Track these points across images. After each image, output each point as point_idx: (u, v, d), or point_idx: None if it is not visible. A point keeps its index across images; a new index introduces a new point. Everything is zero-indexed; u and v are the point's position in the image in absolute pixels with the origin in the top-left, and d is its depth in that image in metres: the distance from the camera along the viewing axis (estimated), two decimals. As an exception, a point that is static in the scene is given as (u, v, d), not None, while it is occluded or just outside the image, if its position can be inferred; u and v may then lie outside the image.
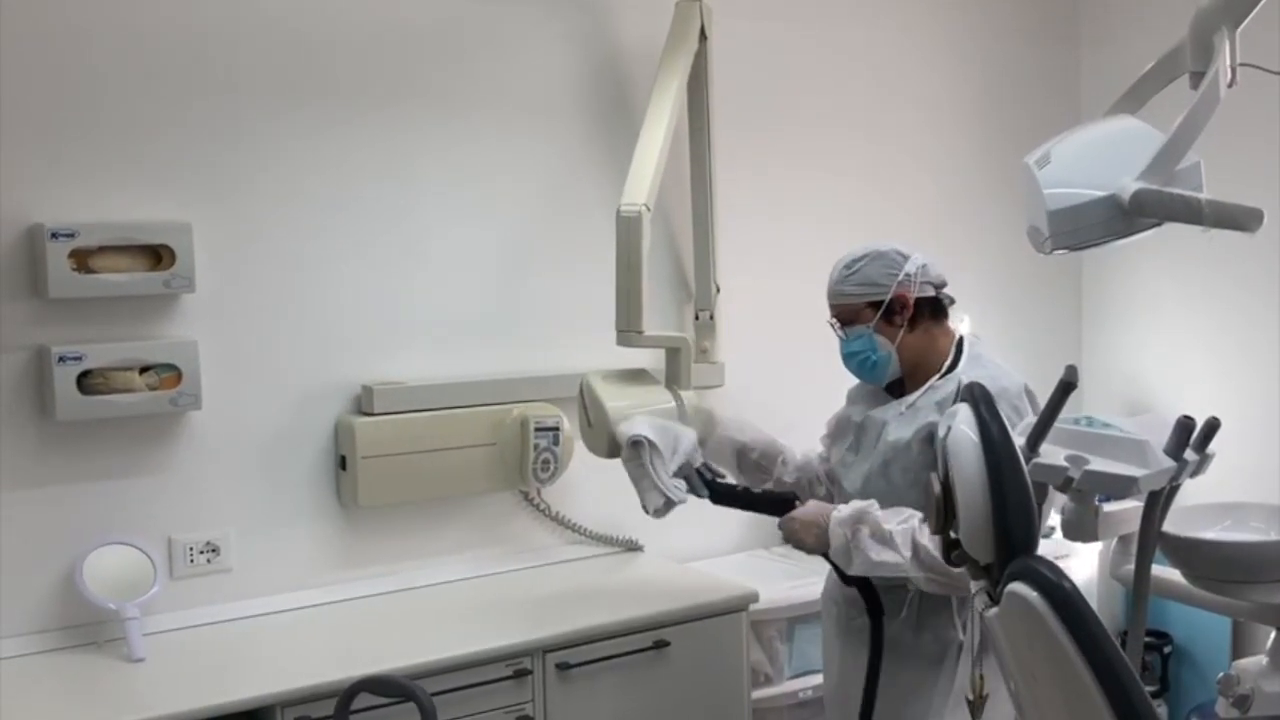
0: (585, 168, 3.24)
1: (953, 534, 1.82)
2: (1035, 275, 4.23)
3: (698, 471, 2.73)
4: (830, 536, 2.51)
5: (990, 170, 4.13)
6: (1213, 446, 2.10)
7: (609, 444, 2.77)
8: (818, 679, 3.30)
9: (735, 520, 3.68)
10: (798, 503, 2.66)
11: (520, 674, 2.78)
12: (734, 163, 3.58)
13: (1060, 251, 1.96)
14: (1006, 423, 1.78)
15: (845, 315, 2.65)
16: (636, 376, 2.93)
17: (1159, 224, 1.88)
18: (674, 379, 2.93)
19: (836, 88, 3.87)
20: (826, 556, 2.57)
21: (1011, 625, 1.70)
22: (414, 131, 3.17)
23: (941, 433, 1.84)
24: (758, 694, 3.25)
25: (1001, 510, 1.70)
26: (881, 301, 2.59)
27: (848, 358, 2.68)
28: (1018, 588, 1.63)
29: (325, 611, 3.03)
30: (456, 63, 3.23)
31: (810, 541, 2.56)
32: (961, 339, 2.68)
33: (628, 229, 2.86)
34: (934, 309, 2.66)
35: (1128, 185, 1.83)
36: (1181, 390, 4.08)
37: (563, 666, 2.83)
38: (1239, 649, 3.93)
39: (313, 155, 3.04)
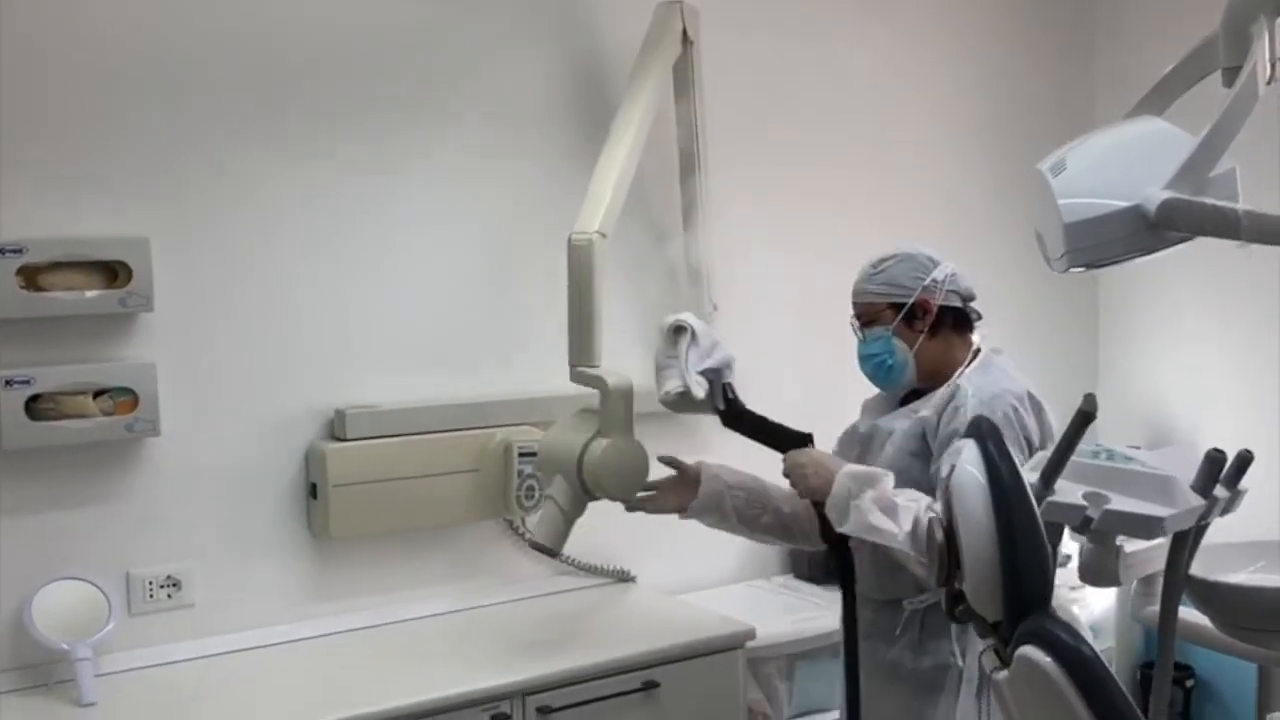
0: (569, 179, 3.07)
1: (958, 585, 1.64)
2: (1049, 289, 4.04)
3: (723, 382, 2.57)
4: (835, 484, 2.34)
5: (1000, 181, 3.97)
6: (1245, 481, 1.92)
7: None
8: (821, 719, 3.15)
9: (733, 549, 3.54)
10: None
11: (499, 718, 2.61)
12: (729, 175, 3.42)
13: (1076, 270, 1.77)
14: (1018, 462, 1.59)
15: (866, 315, 2.58)
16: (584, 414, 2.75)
17: (1189, 238, 1.69)
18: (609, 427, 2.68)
19: (838, 96, 3.71)
20: (818, 509, 2.41)
21: (1023, 691, 1.52)
22: (388, 143, 3.02)
23: (945, 471, 1.66)
24: (755, 735, 3.08)
25: (1012, 563, 1.52)
26: (904, 304, 2.52)
27: (864, 359, 2.59)
28: (1030, 652, 1.45)
29: (294, 650, 2.87)
30: (432, 71, 3.08)
31: (813, 483, 2.40)
32: (978, 350, 2.58)
33: (579, 258, 2.72)
34: (957, 320, 2.57)
35: (1154, 195, 1.63)
36: (1206, 414, 3.89)
37: (544, 710, 2.66)
38: (1265, 685, 3.76)
39: (280, 167, 2.89)
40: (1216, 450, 1.85)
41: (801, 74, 3.64)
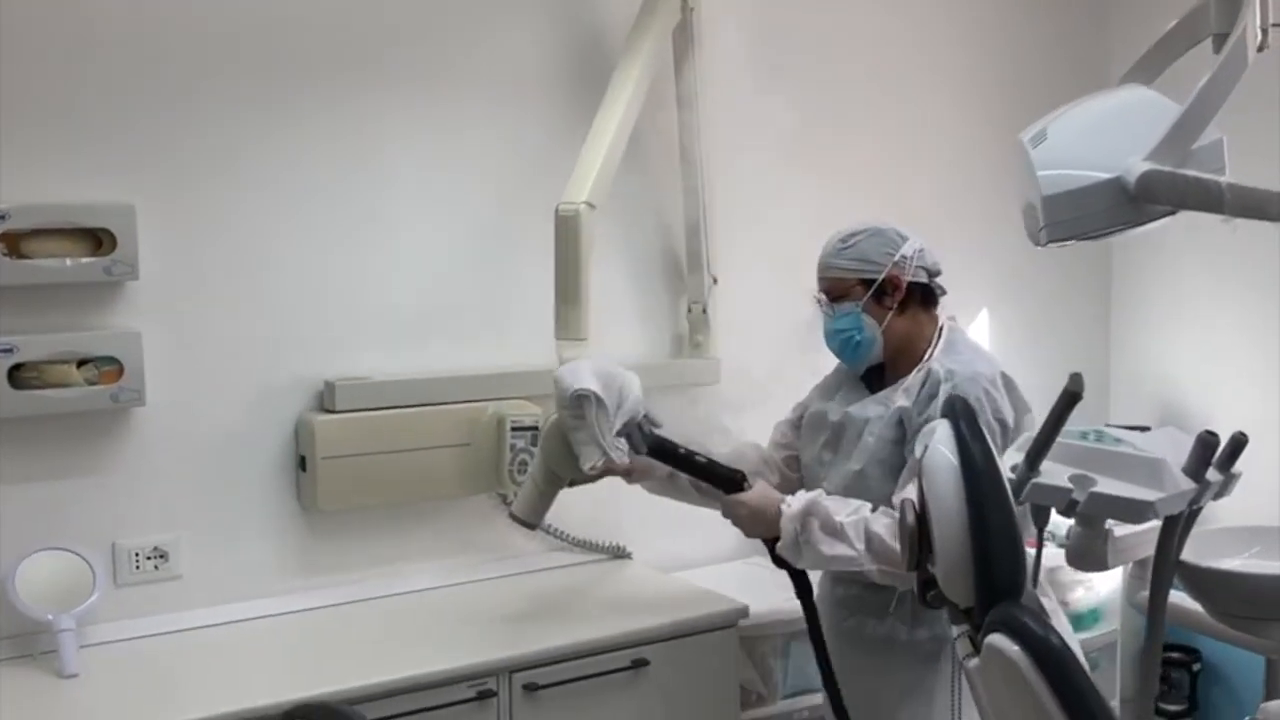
0: (565, 147, 3.01)
1: (931, 568, 1.59)
2: (1060, 264, 3.98)
3: (639, 426, 2.55)
4: (782, 530, 2.40)
5: (1009, 150, 3.86)
6: (1239, 465, 1.86)
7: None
8: (815, 698, 3.12)
9: (729, 526, 3.45)
10: (746, 485, 2.50)
11: (484, 695, 2.57)
12: (729, 143, 3.35)
13: (1056, 245, 1.71)
14: (992, 443, 1.54)
15: (835, 290, 2.55)
16: None
17: (1172, 212, 1.62)
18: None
19: (842, 64, 3.63)
20: (767, 544, 2.48)
21: (993, 680, 1.47)
22: (380, 110, 2.97)
23: (918, 452, 1.61)
24: (749, 715, 3.05)
25: (983, 548, 1.47)
26: (874, 280, 2.50)
27: (831, 335, 2.57)
28: (998, 640, 1.40)
29: (281, 623, 2.85)
30: (425, 39, 3.02)
31: (754, 530, 2.48)
32: (942, 327, 2.57)
33: (566, 229, 2.69)
34: (925, 296, 2.56)
35: (1134, 166, 1.57)
36: (1220, 393, 3.80)
37: (530, 688, 2.62)
38: (1274, 668, 3.69)
39: (268, 134, 2.84)
40: (1209, 432, 1.80)
41: (805, 42, 3.56)
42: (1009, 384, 2.44)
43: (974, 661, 1.49)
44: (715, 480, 2.52)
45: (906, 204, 3.62)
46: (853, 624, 2.57)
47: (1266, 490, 2.05)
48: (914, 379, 2.48)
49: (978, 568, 1.47)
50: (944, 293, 2.58)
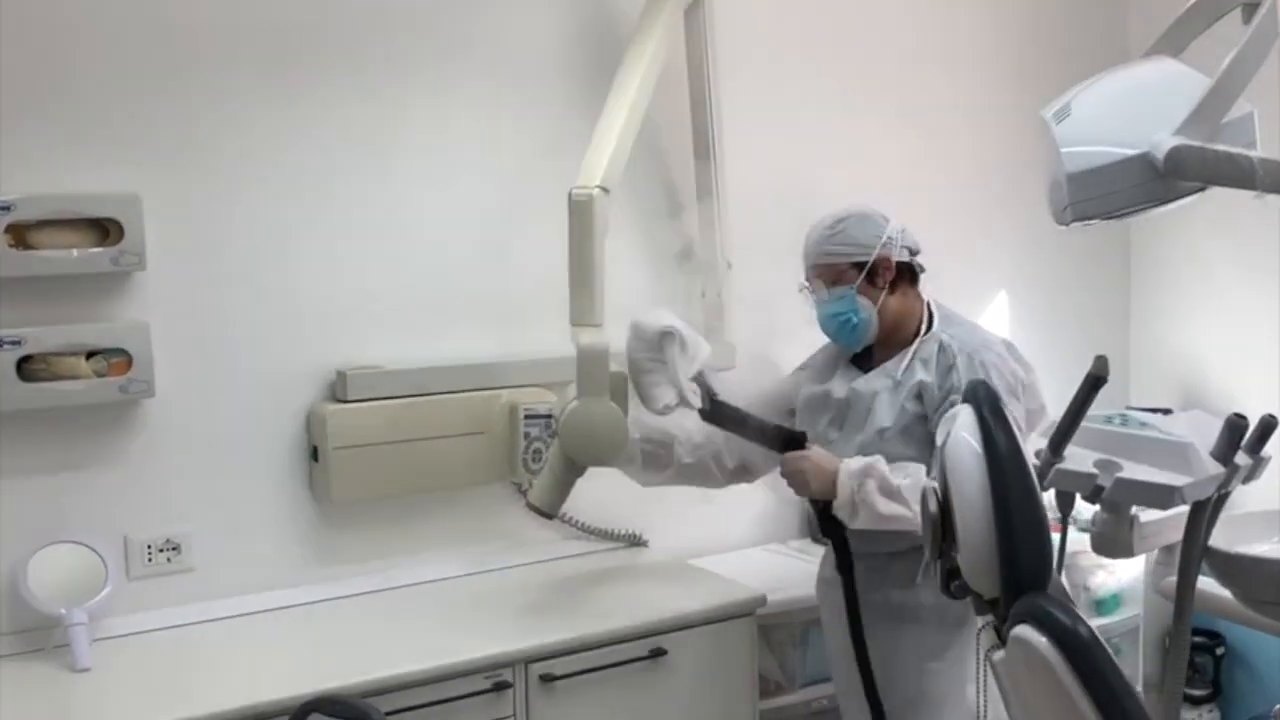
0: (578, 131, 2.96)
1: (954, 556, 1.55)
2: (1078, 245, 3.92)
3: (703, 383, 2.59)
4: (839, 487, 2.45)
5: (1027, 130, 3.82)
6: (1269, 448, 1.81)
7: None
8: (834, 687, 3.08)
9: (749, 513, 3.47)
10: (807, 444, 2.55)
11: (500, 686, 2.55)
12: (744, 125, 3.30)
13: (1080, 224, 1.66)
14: (1016, 429, 1.49)
15: (827, 275, 2.62)
16: None
17: (1202, 189, 1.57)
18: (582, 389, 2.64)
19: (860, 43, 3.59)
20: (818, 509, 2.53)
21: (1019, 672, 1.43)
22: (391, 95, 2.93)
23: (940, 439, 1.57)
24: (767, 704, 3.02)
25: (1008, 538, 1.43)
26: (865, 263, 2.58)
27: (827, 319, 2.64)
28: (1025, 632, 1.36)
29: (295, 614, 2.82)
30: (436, 20, 2.98)
31: (815, 487, 2.50)
32: (930, 303, 2.66)
33: (580, 214, 2.64)
34: (910, 274, 2.65)
35: (1163, 141, 1.52)
36: (1242, 373, 3.74)
37: (547, 678, 2.60)
38: (1299, 653, 3.65)
39: (277, 121, 2.81)
40: (1238, 415, 1.75)
41: (819, 22, 3.51)
42: (1011, 348, 2.57)
43: (1000, 653, 1.45)
44: (778, 440, 2.55)
45: (924, 185, 3.60)
46: (879, 597, 2.60)
47: (1280, 472, 2.00)
48: (925, 350, 2.56)
49: (1003, 557, 1.43)
50: (924, 270, 2.66)
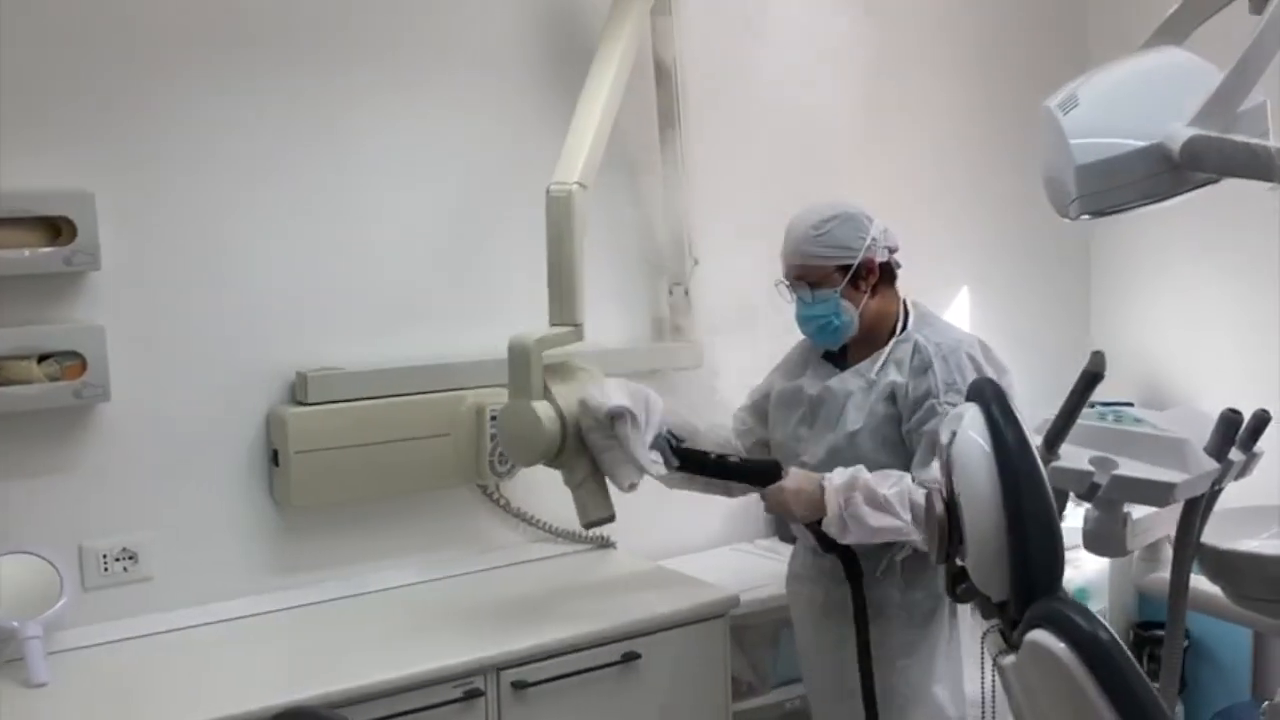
0: (542, 128, 2.92)
1: (959, 562, 1.51)
2: (1040, 241, 3.95)
3: (666, 440, 2.53)
4: (826, 506, 2.40)
5: (990, 127, 3.83)
6: (1260, 444, 1.80)
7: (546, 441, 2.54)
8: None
9: (716, 513, 3.43)
10: (783, 472, 2.50)
11: (471, 695, 2.49)
12: (708, 120, 3.27)
13: (1088, 217, 1.63)
14: (1025, 427, 1.46)
15: (810, 277, 2.55)
16: (565, 375, 2.65)
17: (1213, 181, 1.55)
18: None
19: (824, 40, 3.54)
20: (811, 528, 2.47)
21: (1031, 678, 1.39)
22: (348, 88, 2.86)
23: (944, 438, 1.53)
24: (740, 706, 2.99)
25: (1020, 539, 1.39)
26: (850, 265, 2.52)
27: (807, 320, 2.58)
28: (1041, 637, 1.33)
29: (257, 623, 2.75)
30: (398, 12, 2.91)
31: (801, 511, 2.45)
32: (906, 301, 2.62)
33: (558, 211, 2.59)
34: (887, 275, 2.59)
35: (1178, 132, 1.49)
36: (1201, 368, 3.77)
37: (519, 685, 2.54)
38: (1261, 647, 3.67)
39: (235, 117, 2.73)
40: (1232, 410, 1.73)
41: (784, 19, 3.47)
42: (985, 349, 2.52)
43: (1010, 658, 1.42)
44: (752, 477, 2.52)
45: (886, 180, 3.58)
46: (842, 593, 2.55)
47: (1263, 468, 1.98)
48: (899, 351, 2.52)
49: (1014, 560, 1.39)
50: (900, 266, 2.60)
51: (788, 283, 2.60)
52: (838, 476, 2.42)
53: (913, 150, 3.73)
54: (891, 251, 2.58)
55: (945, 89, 3.81)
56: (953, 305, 3.86)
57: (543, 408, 2.54)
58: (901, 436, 2.49)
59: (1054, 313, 4.06)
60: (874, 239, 2.52)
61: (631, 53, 2.86)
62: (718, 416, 2.84)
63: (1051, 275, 4.07)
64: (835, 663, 2.62)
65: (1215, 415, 1.79)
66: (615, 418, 2.45)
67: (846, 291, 2.52)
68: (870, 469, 2.44)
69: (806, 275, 2.55)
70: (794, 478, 2.47)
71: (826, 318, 2.55)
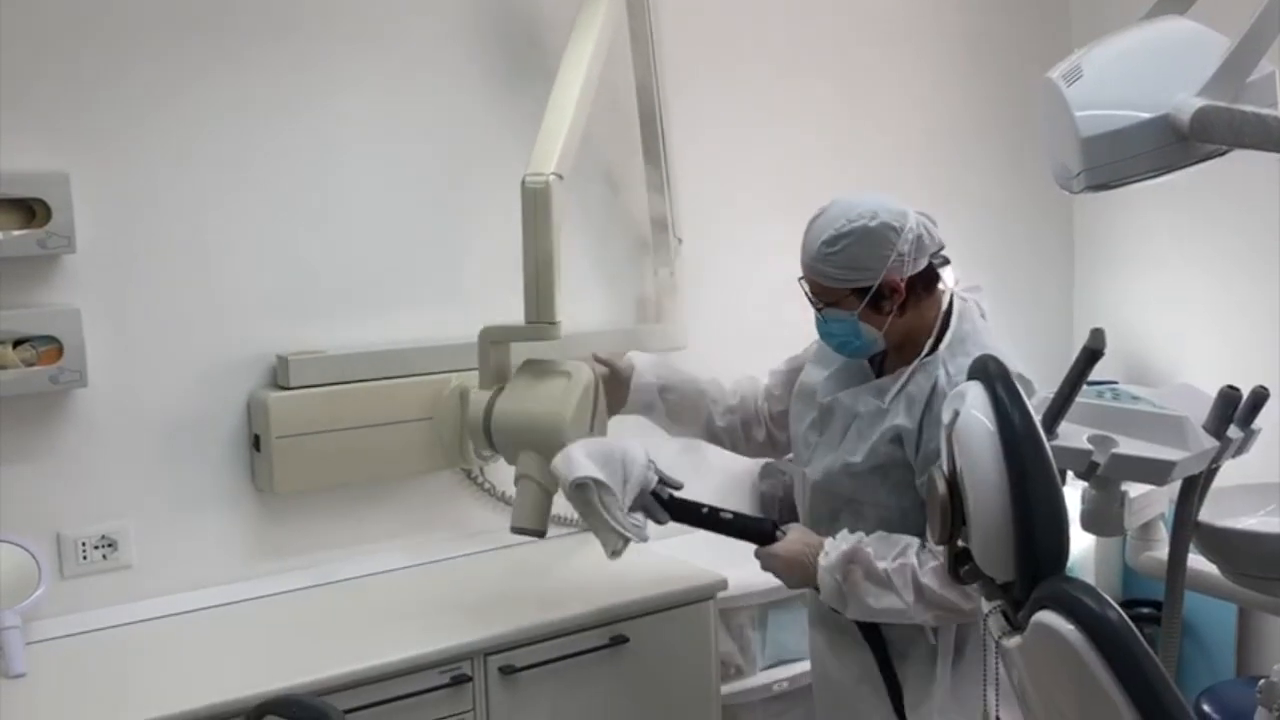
0: (527, 105, 2.88)
1: (961, 543, 1.49)
2: (1022, 218, 3.94)
3: (654, 494, 2.38)
4: (820, 584, 2.24)
5: (974, 104, 3.81)
6: (1259, 421, 1.78)
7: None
8: (794, 669, 3.08)
9: (701, 494, 3.35)
10: (779, 532, 2.33)
11: (459, 680, 2.47)
12: (689, 96, 3.23)
13: (1092, 191, 1.60)
14: (1030, 406, 1.44)
15: (824, 296, 2.28)
16: (538, 372, 2.59)
17: (1222, 153, 1.52)
18: None
19: (808, 16, 3.52)
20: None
21: (1038, 661, 1.38)
22: (328, 64, 2.81)
23: (947, 418, 1.50)
24: (728, 688, 2.98)
25: (1026, 519, 1.37)
26: (868, 288, 2.21)
27: (825, 337, 2.35)
28: (1049, 618, 1.31)
29: (240, 611, 2.71)
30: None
31: (794, 582, 2.31)
32: (950, 307, 2.31)
33: (534, 203, 2.46)
34: (926, 280, 2.27)
35: (1186, 103, 1.46)
36: (1185, 348, 3.75)
37: (507, 670, 2.52)
38: (1245, 623, 3.68)
39: (212, 96, 2.68)
40: (1231, 387, 1.72)
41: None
42: (1025, 385, 1.97)
43: (1014, 640, 1.40)
44: (746, 535, 2.38)
45: (869, 158, 3.56)
46: (821, 609, 2.46)
47: (1262, 445, 1.97)
48: (916, 384, 2.24)
49: (1019, 540, 1.37)
50: (947, 263, 2.30)
51: (806, 287, 2.33)
52: (835, 550, 2.22)
53: (897, 130, 3.70)
54: (933, 253, 2.27)
55: (930, 68, 3.78)
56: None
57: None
58: (910, 479, 2.25)
59: (1038, 291, 4.04)
60: (901, 255, 2.18)
61: (609, 31, 2.79)
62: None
63: (1035, 254, 4.05)
64: (841, 680, 2.49)
65: (1210, 392, 1.77)
66: (580, 488, 2.27)
67: (865, 314, 2.24)
68: (873, 511, 2.29)
69: (819, 291, 2.28)
70: (789, 543, 2.30)
71: (844, 337, 2.30)
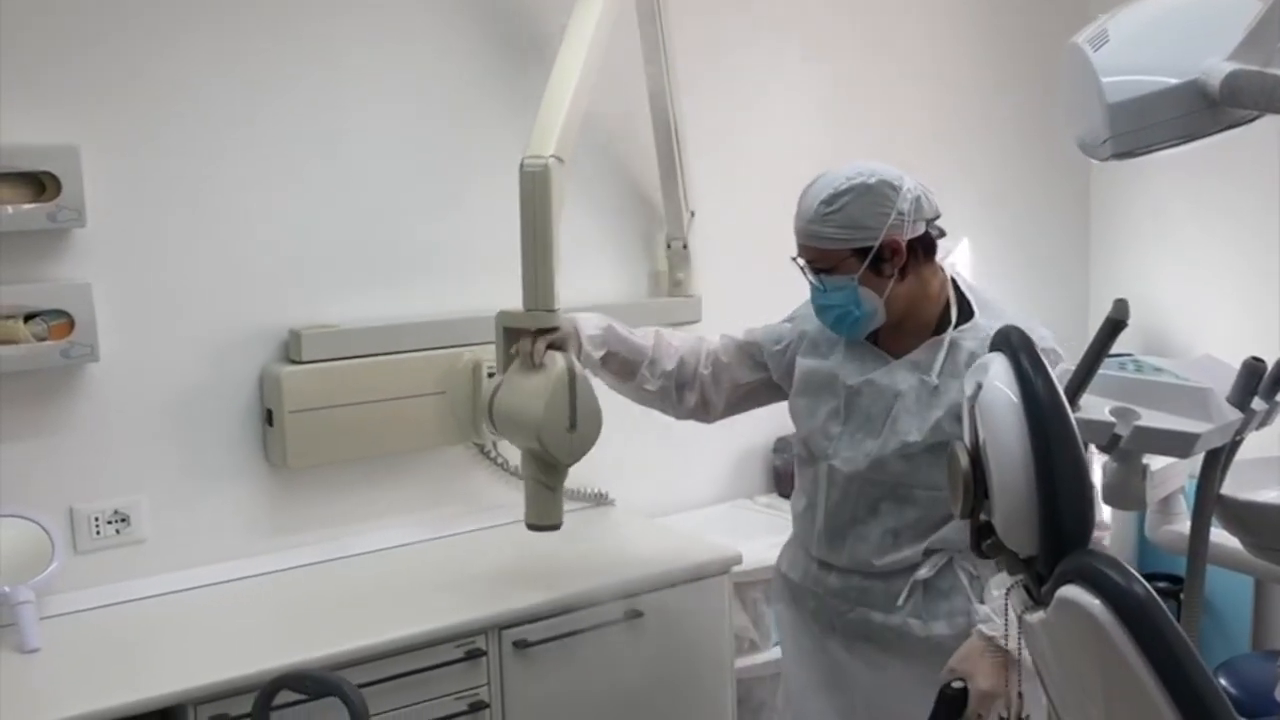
0: (537, 75, 2.83)
1: (984, 517, 1.47)
2: (1039, 188, 3.91)
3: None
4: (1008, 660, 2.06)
5: (990, 77, 3.77)
6: (1275, 390, 1.75)
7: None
8: None
9: (716, 469, 3.40)
10: (954, 685, 2.10)
11: (473, 655, 2.47)
12: (700, 69, 3.21)
13: (1117, 159, 1.57)
14: (1054, 377, 1.41)
15: (822, 261, 2.19)
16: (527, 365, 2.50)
17: (1252, 119, 1.49)
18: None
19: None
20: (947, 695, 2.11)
21: (1060, 636, 1.35)
22: (341, 41, 2.79)
23: (969, 390, 1.48)
24: (741, 662, 2.97)
25: (1050, 492, 1.34)
26: (869, 249, 2.14)
27: (823, 309, 2.25)
28: (1074, 593, 1.28)
29: (253, 586, 2.71)
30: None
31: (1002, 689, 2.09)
32: (954, 280, 2.27)
33: (533, 186, 2.35)
34: (925, 247, 2.21)
35: (1216, 68, 1.43)
36: (1202, 317, 3.73)
37: (521, 644, 2.52)
38: (1262, 597, 3.66)
39: (223, 69, 2.65)
40: (1256, 358, 1.68)
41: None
42: (1051, 355, 2.05)
43: (1037, 615, 1.38)
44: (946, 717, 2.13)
45: (880, 128, 3.52)
46: (856, 616, 2.32)
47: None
48: (965, 350, 2.17)
49: (1043, 513, 1.34)
50: (943, 234, 2.24)
51: (802, 262, 2.23)
52: (983, 614, 2.10)
53: (910, 98, 3.66)
54: (929, 220, 2.20)
55: (942, 36, 3.75)
56: (952, 257, 3.81)
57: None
58: None
59: (1054, 262, 4.02)
60: (901, 213, 2.12)
61: (614, 7, 2.73)
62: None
63: (1051, 227, 4.03)
64: (836, 680, 2.39)
65: (1232, 364, 1.74)
66: None
67: (866, 278, 2.15)
68: (924, 495, 2.19)
69: (818, 260, 2.19)
70: (981, 680, 2.07)
71: (844, 307, 2.19)
